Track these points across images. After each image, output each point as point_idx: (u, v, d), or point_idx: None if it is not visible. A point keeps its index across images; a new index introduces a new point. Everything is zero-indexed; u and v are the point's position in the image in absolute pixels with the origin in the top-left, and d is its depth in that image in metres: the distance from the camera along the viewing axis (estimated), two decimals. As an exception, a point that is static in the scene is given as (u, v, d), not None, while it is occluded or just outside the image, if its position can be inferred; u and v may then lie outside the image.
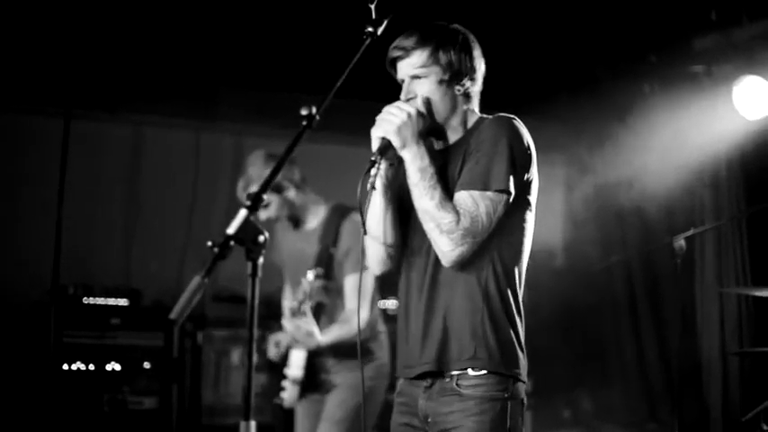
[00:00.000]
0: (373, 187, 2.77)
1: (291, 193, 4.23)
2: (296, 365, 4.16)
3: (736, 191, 5.71)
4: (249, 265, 2.05)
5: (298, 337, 4.06)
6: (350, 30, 2.56)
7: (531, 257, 2.91)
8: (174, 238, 6.29)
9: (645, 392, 6.31)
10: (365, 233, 2.83)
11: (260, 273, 2.06)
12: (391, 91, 2.83)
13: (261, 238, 2.06)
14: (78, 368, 5.46)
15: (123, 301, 5.66)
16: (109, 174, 6.42)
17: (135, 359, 5.58)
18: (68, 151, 5.36)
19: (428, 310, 2.82)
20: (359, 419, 4.04)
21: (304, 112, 2.26)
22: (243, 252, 2.04)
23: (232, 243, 2.03)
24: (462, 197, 2.71)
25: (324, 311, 4.19)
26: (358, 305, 3.06)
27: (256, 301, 2.05)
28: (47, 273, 5.20)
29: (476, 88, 2.89)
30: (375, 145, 2.74)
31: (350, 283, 4.14)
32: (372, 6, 2.38)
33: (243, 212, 2.06)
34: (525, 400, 2.84)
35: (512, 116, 2.84)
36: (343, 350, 4.10)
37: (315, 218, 4.31)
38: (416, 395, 2.85)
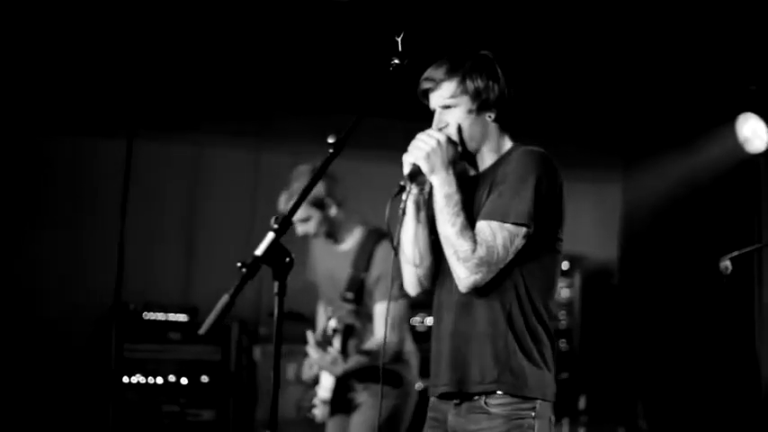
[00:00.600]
0: (403, 212, 2.87)
1: (333, 211, 4.25)
2: (324, 387, 4.26)
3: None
4: (276, 284, 2.16)
5: (322, 365, 4.12)
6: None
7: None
8: (233, 255, 6.40)
9: (701, 411, 6.27)
10: (396, 255, 2.92)
11: (287, 291, 2.18)
12: (417, 110, 2.93)
13: (287, 260, 2.17)
14: (138, 381, 5.60)
15: (182, 317, 5.80)
16: (170, 193, 6.57)
17: (193, 373, 5.71)
18: (131, 171, 5.48)
19: (454, 332, 2.89)
20: None
21: (331, 140, 2.37)
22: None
23: (260, 264, 2.15)
24: (482, 227, 2.76)
25: (353, 334, 4.23)
26: (384, 334, 3.11)
27: (282, 318, 2.17)
28: (110, 290, 5.34)
29: (507, 115, 2.92)
30: (406, 170, 2.82)
31: (379, 310, 4.16)
32: (399, 39, 2.48)
33: (271, 235, 2.18)
34: (553, 419, 2.91)
35: (541, 150, 2.87)
36: (367, 375, 4.17)
37: (351, 239, 4.32)
38: (446, 411, 2.93)
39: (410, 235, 2.96)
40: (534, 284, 2.86)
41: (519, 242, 2.76)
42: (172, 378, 5.68)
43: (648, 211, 7.05)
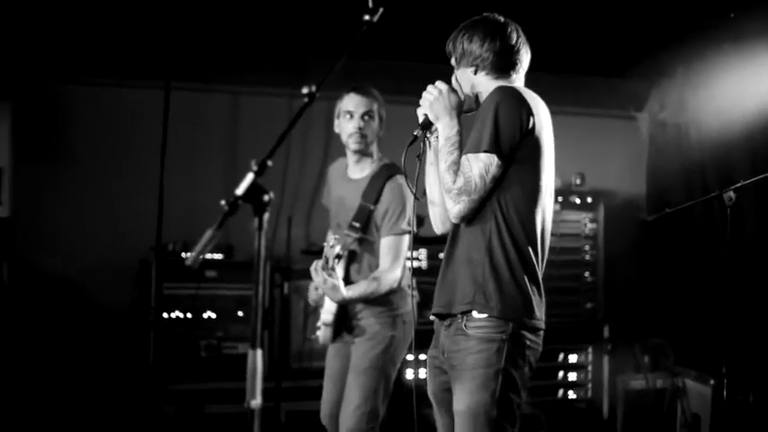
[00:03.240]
0: (420, 158, 3.24)
1: (377, 126, 4.54)
2: (327, 310, 4.46)
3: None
4: (256, 220, 2.43)
5: (323, 290, 4.32)
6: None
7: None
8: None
9: (720, 339, 6.37)
10: (417, 199, 3.28)
11: (265, 226, 2.44)
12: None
13: (266, 198, 2.43)
14: (177, 316, 5.88)
15: (219, 256, 6.04)
16: (207, 140, 6.77)
17: (229, 308, 5.99)
18: (169, 120, 5.69)
19: (447, 260, 3.27)
20: (383, 368, 4.39)
21: (305, 90, 2.63)
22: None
23: (240, 202, 2.41)
24: (462, 161, 3.09)
25: (355, 260, 4.47)
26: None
27: (261, 251, 2.43)
28: (152, 233, 5.60)
29: (492, 68, 3.26)
30: (420, 121, 3.24)
31: (384, 243, 4.39)
32: (369, -3, 2.69)
33: (250, 176, 2.45)
34: (529, 342, 3.16)
35: (507, 85, 3.19)
36: (367, 303, 4.42)
37: (368, 167, 4.56)
38: (440, 332, 3.30)
39: (432, 178, 3.32)
40: (512, 214, 3.13)
41: (494, 170, 3.06)
42: (209, 313, 5.96)
43: (673, 143, 7.13)
